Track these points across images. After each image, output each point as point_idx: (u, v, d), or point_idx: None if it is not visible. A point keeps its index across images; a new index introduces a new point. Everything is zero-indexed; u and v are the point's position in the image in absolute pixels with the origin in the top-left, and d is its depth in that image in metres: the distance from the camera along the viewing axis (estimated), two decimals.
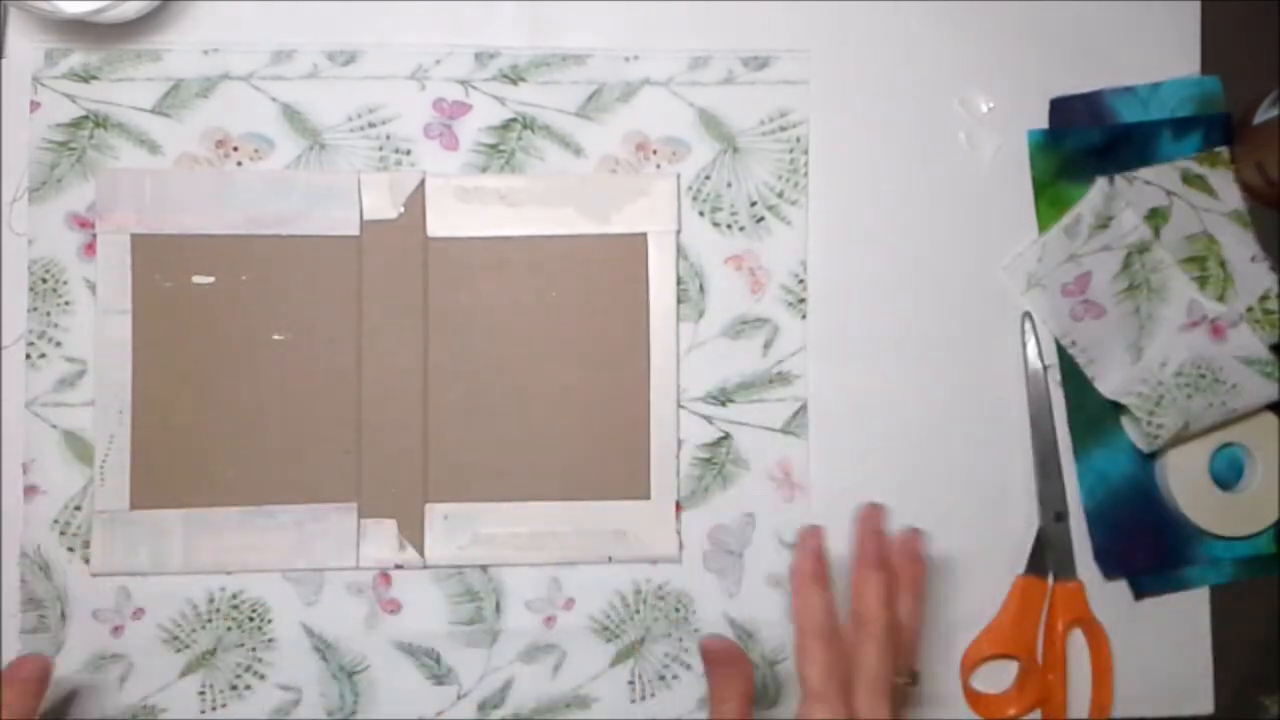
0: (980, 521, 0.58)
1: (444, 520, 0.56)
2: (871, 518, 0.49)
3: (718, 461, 0.57)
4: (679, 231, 0.57)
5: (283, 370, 0.56)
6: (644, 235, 0.57)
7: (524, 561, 0.56)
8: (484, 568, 0.56)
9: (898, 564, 0.49)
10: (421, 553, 0.56)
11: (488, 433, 0.56)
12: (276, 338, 0.56)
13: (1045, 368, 0.58)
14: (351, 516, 0.56)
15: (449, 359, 0.56)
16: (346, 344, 0.56)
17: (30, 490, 0.55)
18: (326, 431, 0.56)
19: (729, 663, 0.49)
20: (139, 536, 0.55)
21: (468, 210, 0.56)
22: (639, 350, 0.57)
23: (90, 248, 0.55)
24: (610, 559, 0.56)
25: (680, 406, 0.57)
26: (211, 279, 0.56)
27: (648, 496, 0.56)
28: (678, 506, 0.57)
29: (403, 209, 0.56)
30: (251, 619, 0.56)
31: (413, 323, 0.56)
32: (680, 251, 0.57)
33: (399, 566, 0.56)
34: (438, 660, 0.56)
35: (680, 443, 0.57)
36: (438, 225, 0.56)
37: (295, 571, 0.55)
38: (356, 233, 0.56)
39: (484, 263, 0.56)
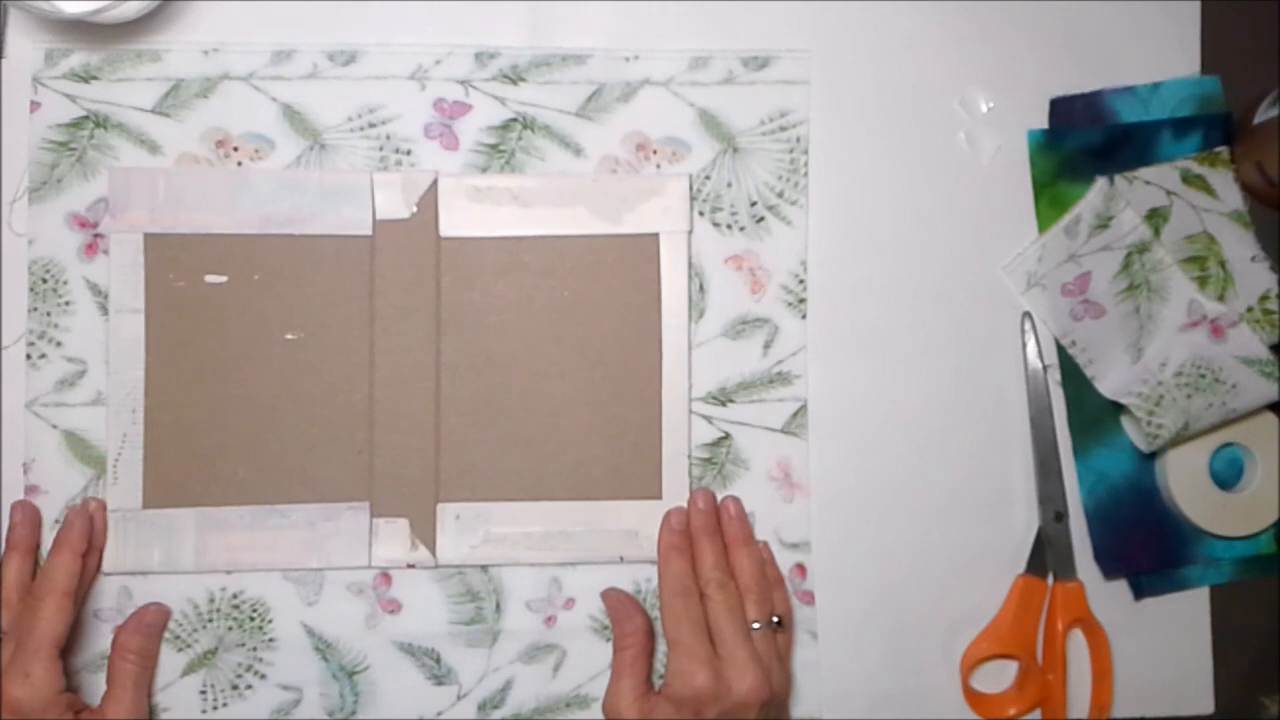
0: (980, 521, 0.58)
1: (456, 520, 0.56)
2: (698, 499, 0.56)
3: (718, 461, 0.57)
4: (690, 232, 0.57)
5: (295, 369, 0.56)
6: (656, 236, 0.57)
7: (536, 561, 0.56)
8: (484, 568, 0.56)
9: (726, 529, 0.56)
10: (434, 552, 0.56)
11: (500, 432, 0.56)
12: (289, 337, 0.56)
13: (1045, 368, 0.59)
14: (364, 516, 0.56)
15: (461, 359, 0.56)
16: (359, 343, 0.56)
17: (30, 490, 0.55)
18: (339, 431, 0.56)
19: (628, 613, 0.55)
20: (152, 535, 0.55)
21: (480, 210, 0.56)
22: (651, 351, 0.57)
23: (91, 248, 0.56)
24: (622, 559, 0.56)
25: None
26: (224, 278, 0.56)
27: (659, 497, 0.56)
28: None
29: (415, 209, 0.56)
30: (252, 619, 0.56)
31: (425, 322, 0.56)
32: None
33: (411, 566, 0.56)
34: (438, 660, 0.56)
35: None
36: (450, 225, 0.56)
37: (296, 571, 0.55)
38: (369, 232, 0.56)
39: (496, 263, 0.57)
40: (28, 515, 0.54)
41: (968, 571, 0.58)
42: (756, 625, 0.53)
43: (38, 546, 0.54)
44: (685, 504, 0.56)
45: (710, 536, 0.55)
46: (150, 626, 0.54)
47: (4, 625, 0.51)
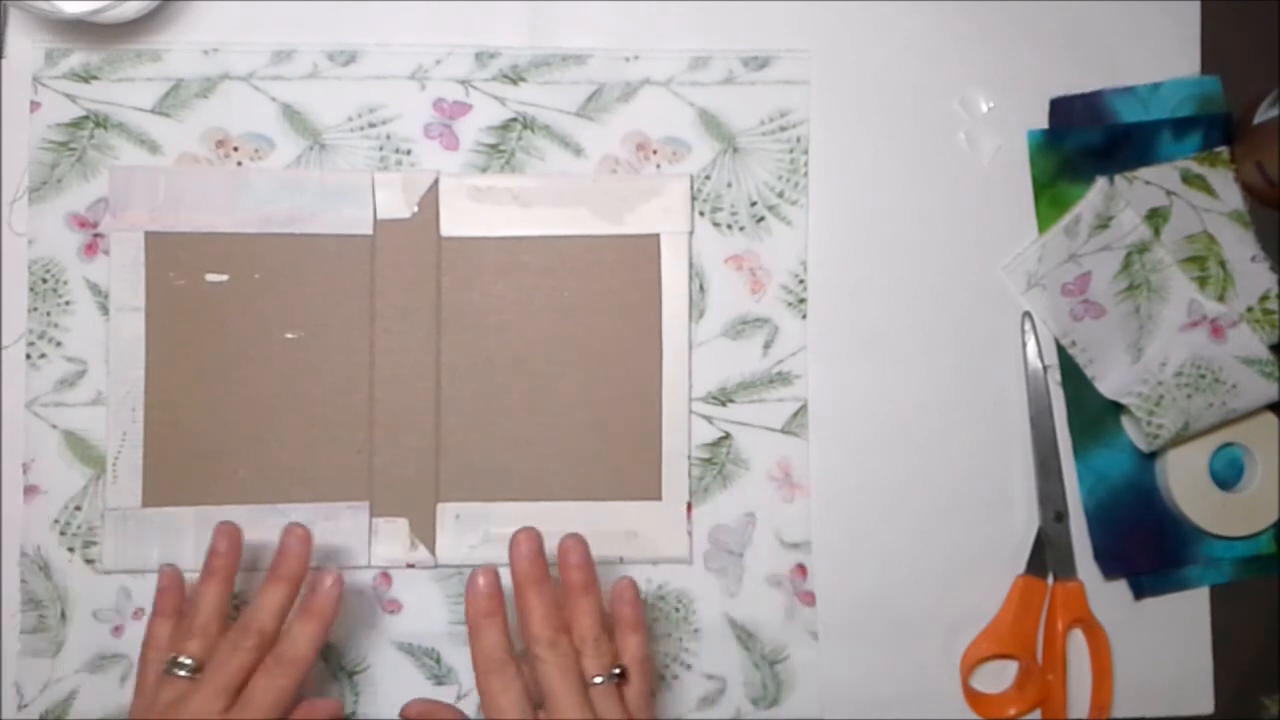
0: (980, 521, 0.58)
1: (456, 520, 0.56)
2: (521, 541, 0.49)
3: (718, 461, 0.57)
4: (691, 233, 0.57)
5: (295, 369, 0.56)
6: (656, 236, 0.57)
7: None
8: None
9: (565, 576, 0.49)
10: (433, 552, 0.56)
11: (500, 432, 0.56)
12: (289, 336, 0.56)
13: (1045, 368, 0.58)
14: (363, 515, 0.56)
15: (461, 358, 0.56)
16: (359, 343, 0.56)
17: (30, 490, 0.55)
18: (339, 430, 0.56)
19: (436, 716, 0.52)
20: (151, 534, 0.55)
21: (481, 210, 0.56)
22: (651, 351, 0.57)
23: (91, 247, 0.56)
24: (621, 559, 0.56)
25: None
26: (225, 277, 0.56)
27: (659, 497, 0.56)
28: (689, 508, 0.57)
29: (416, 208, 0.56)
30: None
31: (425, 322, 0.56)
32: None
33: (410, 566, 0.56)
34: (438, 660, 0.56)
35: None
36: (451, 225, 0.56)
37: None
38: (370, 232, 0.56)
39: (497, 263, 0.57)
40: (233, 543, 0.51)
41: (968, 571, 0.58)
42: (599, 680, 0.47)
43: (235, 575, 0.51)
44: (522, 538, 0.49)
45: (537, 586, 0.48)
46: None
47: (196, 652, 0.48)
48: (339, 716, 0.51)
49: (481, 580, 0.48)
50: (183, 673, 0.48)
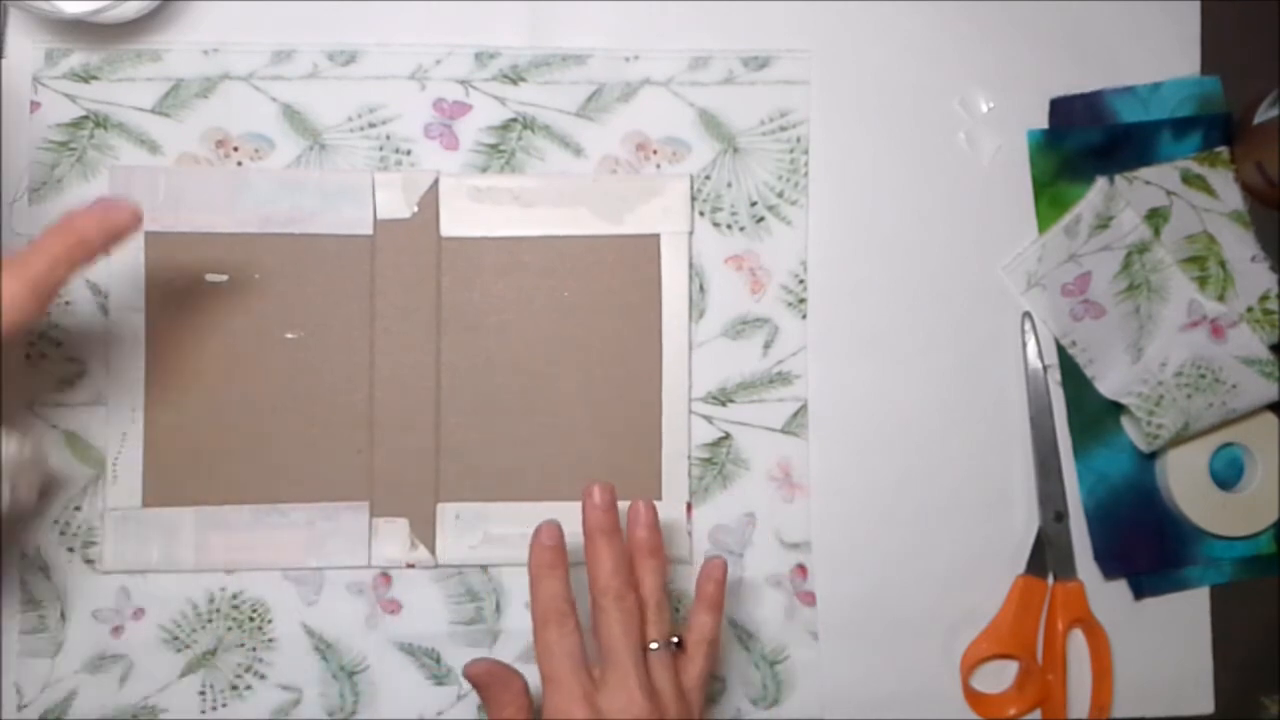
0: (980, 521, 0.58)
1: (455, 520, 0.56)
2: (596, 493, 0.49)
3: (718, 461, 0.57)
4: (691, 233, 0.57)
5: (295, 369, 0.56)
6: (656, 236, 0.57)
7: None
8: (484, 568, 0.56)
9: (633, 535, 0.49)
10: (433, 552, 0.56)
11: (500, 432, 0.56)
12: (289, 336, 0.56)
13: (1045, 368, 0.59)
14: (363, 515, 0.56)
15: (461, 359, 0.56)
16: (359, 343, 0.56)
17: None
18: (339, 430, 0.56)
19: (498, 681, 0.49)
20: (151, 534, 0.55)
21: (481, 210, 0.56)
22: (652, 351, 0.57)
23: None
24: None
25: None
26: (224, 277, 0.56)
27: (659, 497, 0.56)
28: (689, 508, 0.57)
29: (416, 208, 0.56)
30: (252, 619, 0.56)
31: (426, 322, 0.56)
32: None
33: (410, 565, 0.56)
34: (438, 660, 0.56)
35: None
36: (451, 225, 0.56)
37: (295, 571, 0.55)
38: (370, 232, 0.56)
39: (497, 263, 0.56)
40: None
41: (968, 571, 0.58)
42: (655, 646, 0.47)
43: None
44: (590, 504, 0.49)
45: (609, 537, 0.48)
46: (113, 226, 0.44)
47: None
48: (139, 217, 0.45)
49: (545, 532, 0.48)
50: None
